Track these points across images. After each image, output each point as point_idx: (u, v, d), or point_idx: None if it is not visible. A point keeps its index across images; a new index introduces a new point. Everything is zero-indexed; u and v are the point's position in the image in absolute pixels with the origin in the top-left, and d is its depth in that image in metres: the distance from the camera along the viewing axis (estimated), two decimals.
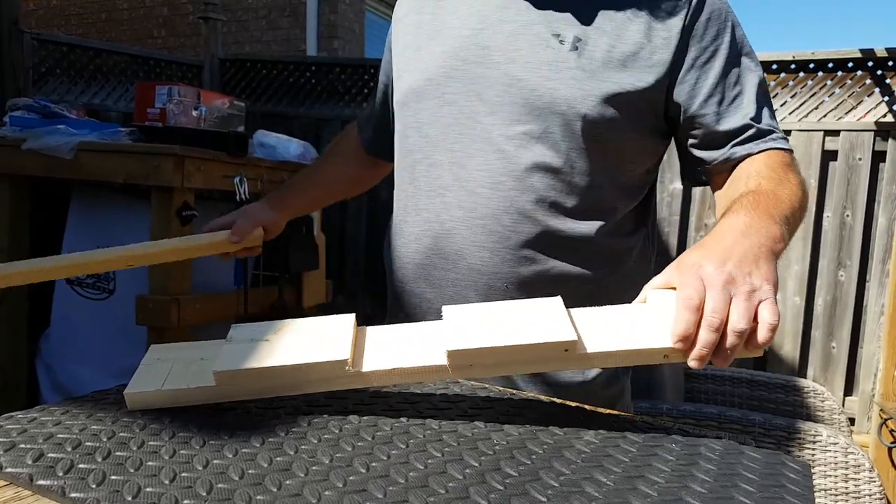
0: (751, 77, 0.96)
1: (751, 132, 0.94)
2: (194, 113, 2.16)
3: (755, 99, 0.95)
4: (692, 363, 0.66)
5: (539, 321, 0.68)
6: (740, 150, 0.94)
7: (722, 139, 0.95)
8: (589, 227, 0.96)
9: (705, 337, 0.65)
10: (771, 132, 0.95)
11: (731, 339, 0.65)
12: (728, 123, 0.94)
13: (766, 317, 0.66)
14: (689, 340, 0.65)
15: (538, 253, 0.95)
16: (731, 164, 0.95)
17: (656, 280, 0.73)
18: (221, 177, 2.00)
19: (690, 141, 0.98)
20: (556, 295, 0.73)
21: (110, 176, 1.93)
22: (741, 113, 0.94)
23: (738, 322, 0.65)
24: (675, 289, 0.69)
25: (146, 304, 1.89)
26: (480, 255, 0.95)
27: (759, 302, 0.67)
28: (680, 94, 0.95)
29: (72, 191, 2.20)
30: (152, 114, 2.14)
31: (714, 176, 0.99)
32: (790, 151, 0.95)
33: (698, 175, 1.02)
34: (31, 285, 2.20)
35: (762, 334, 0.66)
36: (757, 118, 0.94)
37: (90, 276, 2.13)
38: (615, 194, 0.98)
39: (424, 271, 1.00)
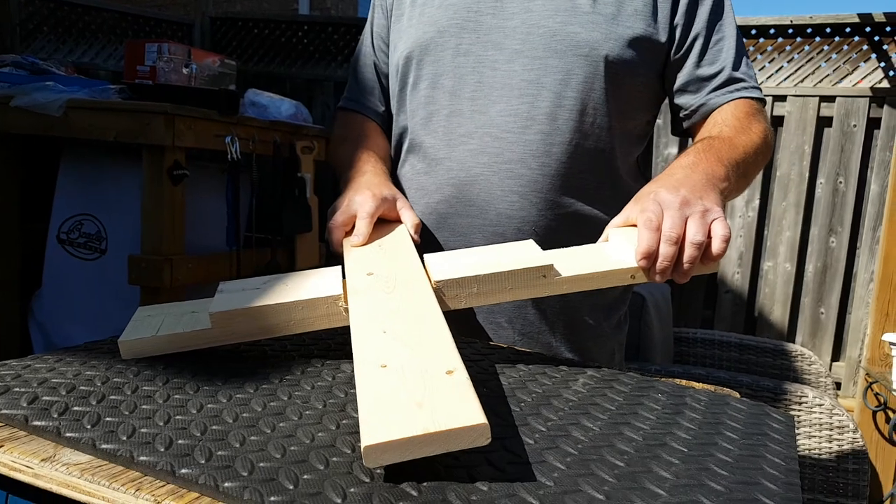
0: (731, 29, 1.00)
1: (727, 78, 0.98)
2: (185, 71, 2.13)
3: (735, 46, 0.99)
4: (655, 277, 0.73)
5: (517, 254, 0.74)
6: (715, 98, 0.99)
7: (700, 83, 1.00)
8: (610, 169, 1.00)
9: (665, 250, 0.72)
10: (744, 80, 0.99)
11: (689, 252, 0.73)
12: (708, 68, 0.99)
13: (718, 231, 0.73)
14: (651, 257, 0.72)
15: (565, 196, 0.97)
16: (706, 112, 1.00)
17: (616, 219, 0.80)
18: (212, 136, 1.98)
19: (674, 86, 1.02)
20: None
21: (100, 134, 1.90)
22: (721, 58, 0.99)
23: (694, 235, 0.72)
24: (634, 226, 0.76)
25: (139, 263, 1.88)
26: (510, 199, 0.96)
27: (712, 220, 0.74)
28: (671, 37, 0.99)
29: (62, 150, 2.18)
30: (142, 71, 2.10)
31: (693, 126, 1.03)
32: (761, 101, 1.00)
33: (682, 124, 1.06)
34: (23, 244, 2.21)
35: (716, 245, 0.73)
36: (735, 65, 0.99)
37: (81, 235, 2.12)
38: (628, 139, 1.02)
39: (448, 220, 1.00)
